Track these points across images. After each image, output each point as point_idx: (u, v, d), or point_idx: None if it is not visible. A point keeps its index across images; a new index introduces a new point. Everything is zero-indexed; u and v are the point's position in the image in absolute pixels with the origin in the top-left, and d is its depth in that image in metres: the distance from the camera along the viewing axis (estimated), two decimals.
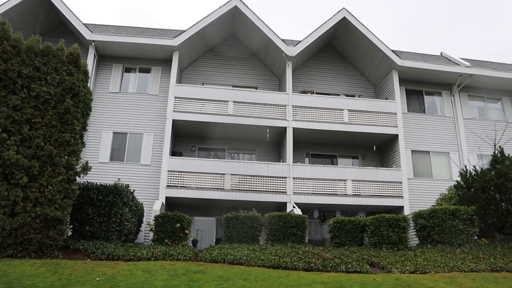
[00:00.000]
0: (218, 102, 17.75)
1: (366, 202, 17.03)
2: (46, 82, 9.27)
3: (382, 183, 17.36)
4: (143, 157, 17.66)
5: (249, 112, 17.78)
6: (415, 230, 13.01)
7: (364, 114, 18.46)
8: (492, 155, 13.73)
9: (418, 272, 9.41)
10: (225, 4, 18.71)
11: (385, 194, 17.22)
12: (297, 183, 17.03)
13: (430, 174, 19.08)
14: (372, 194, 17.15)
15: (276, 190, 16.79)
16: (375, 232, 12.13)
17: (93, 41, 17.86)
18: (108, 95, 18.48)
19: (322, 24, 19.38)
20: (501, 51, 63.81)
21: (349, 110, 18.44)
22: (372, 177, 17.41)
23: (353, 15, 19.34)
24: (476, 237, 12.71)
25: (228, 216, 12.96)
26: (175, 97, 17.63)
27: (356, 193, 17.11)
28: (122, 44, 18.23)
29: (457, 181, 14.28)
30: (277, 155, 19.32)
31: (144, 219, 14.48)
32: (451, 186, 16.34)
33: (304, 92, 19.47)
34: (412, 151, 19.21)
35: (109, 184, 11.09)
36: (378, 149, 19.73)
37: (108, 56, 19.02)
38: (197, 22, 18.47)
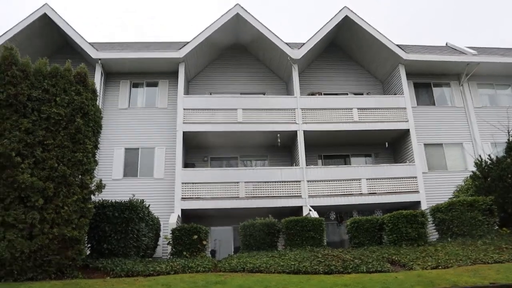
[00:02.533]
0: (227, 111, 17.78)
1: (382, 200, 16.83)
2: (56, 103, 9.34)
3: (397, 180, 17.16)
4: (156, 171, 17.71)
5: (258, 118, 17.77)
6: (434, 224, 12.80)
7: (373, 111, 18.31)
8: (506, 142, 13.47)
9: (440, 267, 9.23)
10: (227, 12, 18.82)
11: (400, 190, 17.01)
12: (311, 186, 16.92)
13: (445, 167, 18.80)
14: (387, 191, 16.95)
15: (291, 195, 16.70)
16: (394, 229, 11.95)
17: (99, 59, 18.07)
18: (117, 112, 18.63)
19: (325, 25, 19.35)
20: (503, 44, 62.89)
21: (358, 108, 18.32)
22: (386, 174, 17.23)
23: (355, 13, 19.28)
24: (497, 227, 12.42)
25: (244, 224, 12.89)
26: (184, 109, 17.70)
27: (372, 192, 16.93)
28: (128, 60, 18.43)
29: (472, 171, 14.03)
30: (290, 159, 19.25)
31: (161, 233, 14.48)
32: (467, 177, 16.03)
33: (312, 94, 19.43)
34: (424, 144, 18.98)
35: (124, 201, 11.08)
36: (391, 146, 19.53)
37: (115, 73, 19.21)
38: (201, 32, 18.58)
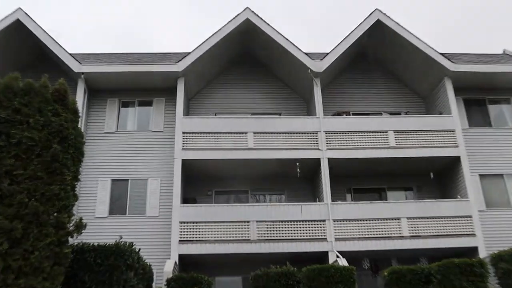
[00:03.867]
0: (235, 135, 17.87)
1: (428, 244, 16.50)
2: (29, 126, 9.33)
3: (446, 219, 16.82)
4: (149, 208, 17.66)
5: (273, 144, 17.82)
6: (496, 277, 12.37)
7: (414, 134, 18.20)
8: None
9: None
10: (234, 18, 19.05)
11: (451, 233, 16.64)
12: (339, 227, 16.72)
13: (508, 203, 18.37)
14: (434, 233, 16.60)
15: (314, 237, 16.51)
16: (444, 282, 11.63)
17: (82, 73, 18.29)
18: (103, 136, 18.76)
19: (352, 31, 19.47)
20: None
21: (395, 131, 18.25)
22: (432, 212, 16.94)
23: (388, 16, 19.41)
24: None
25: (257, 273, 12.71)
26: (184, 133, 17.79)
27: (414, 234, 16.62)
28: (116, 74, 18.67)
29: None
30: (312, 193, 19.09)
31: (153, 284, 14.24)
32: None
33: (338, 114, 19.41)
34: (480, 175, 18.64)
35: (109, 244, 10.94)
36: (437, 177, 19.23)
37: (101, 90, 19.40)
38: (203, 42, 18.80)
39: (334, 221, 16.75)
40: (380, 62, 21.41)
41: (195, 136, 17.79)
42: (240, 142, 17.74)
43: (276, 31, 19.01)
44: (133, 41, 69.65)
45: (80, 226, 9.82)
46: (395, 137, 18.09)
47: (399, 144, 17.99)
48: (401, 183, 19.54)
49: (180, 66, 18.47)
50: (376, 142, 18.03)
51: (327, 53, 19.21)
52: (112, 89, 19.43)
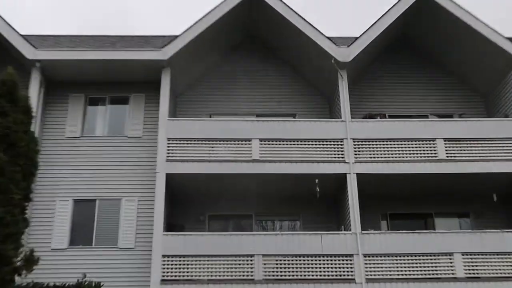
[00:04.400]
0: (236, 142, 17.92)
1: None
2: None
3: None
4: (123, 237, 17.57)
5: (285, 155, 17.81)
6: None
7: (471, 143, 18.09)
8: None
9: None
10: None
11: None
12: (371, 264, 16.61)
13: None
14: (498, 275, 16.36)
15: (338, 277, 16.40)
16: None
17: (38, 60, 18.22)
18: (64, 143, 18.74)
19: (388, 10, 19.45)
20: None
21: (445, 139, 18.15)
22: (496, 246, 16.73)
23: None
24: None
25: None
26: (169, 139, 17.77)
27: (472, 275, 16.39)
28: (82, 62, 18.65)
29: None
30: (335, 219, 19.04)
31: None
32: None
33: (370, 117, 19.48)
34: None
35: (69, 284, 10.93)
36: (502, 199, 19.01)
37: (62, 83, 19.40)
38: (197, 22, 18.80)
39: (365, 256, 16.64)
40: (426, 50, 21.43)
41: (183, 143, 17.77)
42: (242, 152, 17.75)
43: (289, 7, 18.99)
44: (110, 23, 70.18)
45: (31, 261, 9.80)
46: (446, 147, 17.97)
47: (451, 156, 17.88)
48: (453, 208, 19.42)
49: (165, 53, 18.38)
50: (421, 154, 17.96)
51: (356, 38, 19.15)
52: (77, 82, 19.43)
